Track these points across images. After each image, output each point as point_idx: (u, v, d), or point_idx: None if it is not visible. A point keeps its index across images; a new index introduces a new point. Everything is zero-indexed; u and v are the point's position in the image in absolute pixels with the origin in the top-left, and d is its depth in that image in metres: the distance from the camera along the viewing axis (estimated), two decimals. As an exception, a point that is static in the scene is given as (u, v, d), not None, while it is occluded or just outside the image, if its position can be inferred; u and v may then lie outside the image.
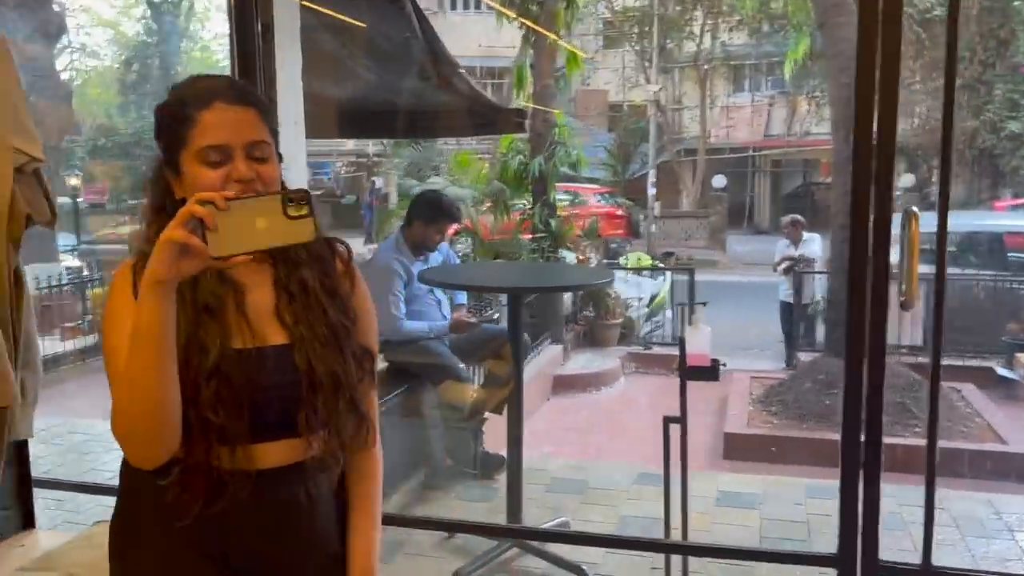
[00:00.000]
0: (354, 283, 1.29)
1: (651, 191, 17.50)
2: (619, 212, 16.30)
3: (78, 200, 13.22)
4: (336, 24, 4.38)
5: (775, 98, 21.76)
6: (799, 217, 8.24)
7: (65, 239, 10.94)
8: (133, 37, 23.10)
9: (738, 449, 5.46)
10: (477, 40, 18.47)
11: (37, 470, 2.49)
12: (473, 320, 4.24)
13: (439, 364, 4.05)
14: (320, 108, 4.30)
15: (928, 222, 2.13)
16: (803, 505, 3.86)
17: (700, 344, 2.51)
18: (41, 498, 2.82)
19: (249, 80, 2.63)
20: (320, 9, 4.11)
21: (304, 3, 4.12)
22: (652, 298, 8.87)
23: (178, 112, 1.14)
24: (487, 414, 4.26)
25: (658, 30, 18.69)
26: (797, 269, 7.77)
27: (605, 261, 8.96)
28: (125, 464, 1.21)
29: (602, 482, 4.20)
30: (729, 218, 19.74)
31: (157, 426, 1.06)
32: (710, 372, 2.51)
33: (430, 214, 4.16)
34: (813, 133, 20.12)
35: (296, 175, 3.06)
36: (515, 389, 3.36)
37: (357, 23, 4.30)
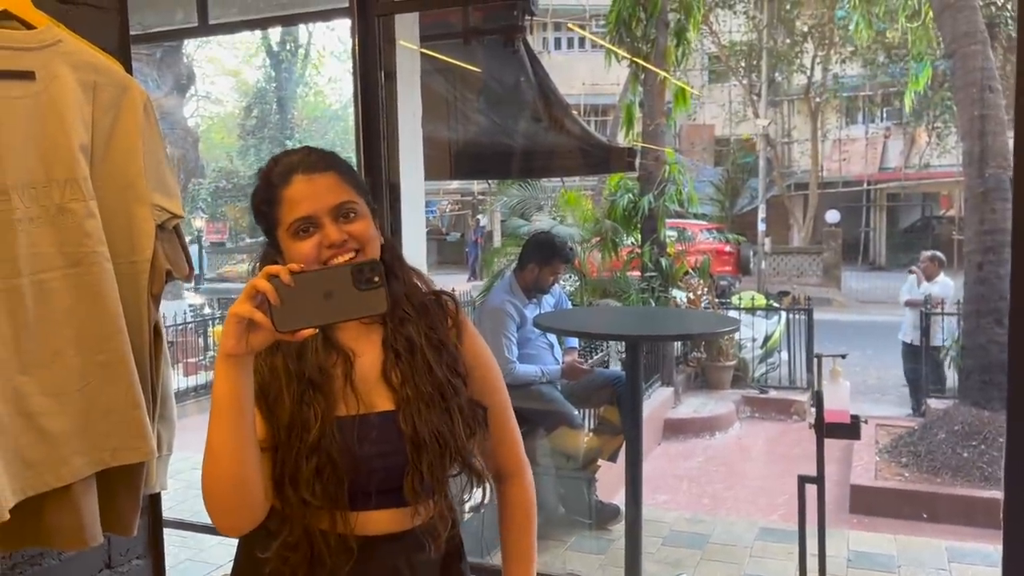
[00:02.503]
0: (462, 335, 1.25)
1: (761, 226, 17.01)
2: (727, 248, 15.89)
3: (201, 240, 13.90)
4: (449, 68, 4.44)
5: (891, 130, 20.94)
6: (939, 254, 7.80)
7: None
8: (253, 84, 24.32)
9: (866, 503, 5.12)
10: (581, 78, 18.60)
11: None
12: (586, 366, 4.15)
13: (552, 410, 3.97)
14: (435, 151, 4.36)
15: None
16: (947, 571, 3.57)
17: (839, 399, 2.34)
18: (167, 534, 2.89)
19: (372, 127, 2.67)
20: (437, 56, 4.18)
21: (423, 50, 4.21)
22: (766, 339, 8.55)
23: (266, 195, 1.17)
24: (600, 462, 4.15)
25: (767, 63, 18.31)
26: (925, 309, 7.33)
27: (717, 300, 8.68)
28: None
29: (722, 537, 4.00)
30: (843, 254, 18.99)
31: (234, 496, 1.06)
32: (850, 430, 2.34)
33: (544, 256, 4.12)
34: (934, 165, 19.22)
35: (416, 217, 3.08)
36: (635, 439, 3.24)
37: (471, 68, 4.34)
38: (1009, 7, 12.53)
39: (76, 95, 1.44)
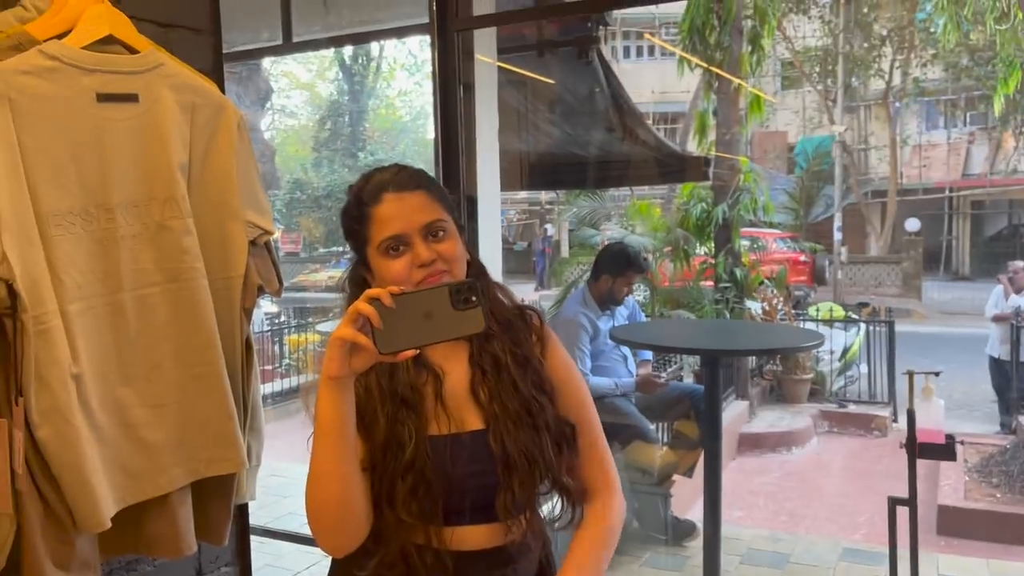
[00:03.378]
0: (546, 351, 1.24)
1: (837, 235, 16.56)
2: (802, 258, 15.52)
3: (277, 250, 14.27)
4: (523, 80, 4.46)
5: (975, 135, 20.18)
6: (1022, 264, 7.48)
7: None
8: (327, 97, 24.85)
9: (954, 525, 4.91)
10: (650, 87, 18.46)
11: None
12: (661, 379, 4.09)
13: (626, 423, 3.93)
14: (508, 162, 4.37)
15: None
16: (1045, 599, 3.39)
17: (933, 418, 2.25)
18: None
19: (451, 140, 2.69)
20: (511, 68, 4.19)
21: (500, 64, 4.23)
22: (844, 351, 8.30)
23: (356, 212, 1.17)
24: (675, 477, 4.08)
25: (843, 68, 17.85)
26: (1015, 323, 7.02)
27: (794, 312, 8.47)
28: None
29: (804, 556, 3.89)
30: (924, 264, 18.36)
31: (339, 518, 1.08)
32: (944, 451, 2.24)
33: (618, 267, 4.08)
34: (1021, 172, 18.43)
35: (492, 230, 3.09)
36: (714, 454, 3.18)
37: (546, 80, 4.35)
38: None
39: (176, 116, 1.49)
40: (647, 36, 18.17)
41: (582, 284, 4.30)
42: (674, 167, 4.67)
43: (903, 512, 2.50)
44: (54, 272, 1.33)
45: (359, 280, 1.20)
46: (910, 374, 2.27)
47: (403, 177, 1.17)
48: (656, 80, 19.45)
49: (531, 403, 1.17)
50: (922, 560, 3.81)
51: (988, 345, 7.51)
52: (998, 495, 5.15)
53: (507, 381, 1.17)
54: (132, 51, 1.47)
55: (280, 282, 1.69)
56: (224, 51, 1.94)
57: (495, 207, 3.09)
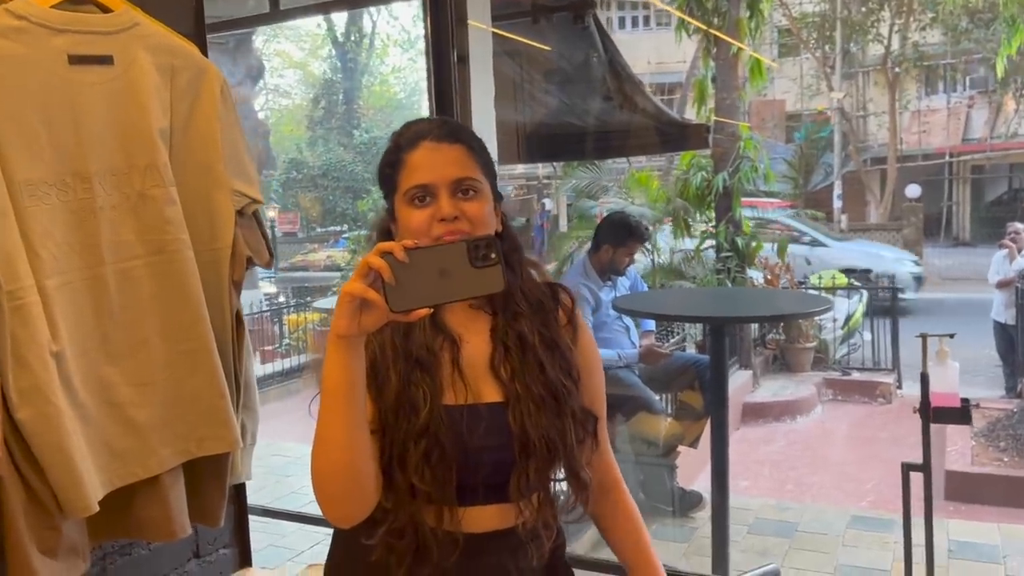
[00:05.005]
0: (576, 336, 1.18)
1: (837, 203, 16.46)
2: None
3: (274, 230, 14.22)
4: (518, 48, 4.35)
5: (975, 99, 20.01)
6: (1022, 226, 7.40)
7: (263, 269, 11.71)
8: (320, 76, 24.65)
9: (962, 490, 4.88)
10: (646, 57, 18.25)
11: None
12: (665, 350, 4.03)
13: (631, 395, 3.87)
14: (504, 134, 4.28)
15: None
16: (1057, 562, 3.36)
17: (947, 381, 2.19)
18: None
19: (446, 111, 2.60)
20: (507, 35, 4.09)
21: (494, 30, 4.12)
22: (847, 319, 8.24)
23: (391, 157, 1.12)
24: (681, 448, 4.04)
25: (841, 34, 17.65)
26: (1020, 286, 6.96)
27: (796, 281, 8.40)
28: None
29: (812, 525, 3.85)
30: (925, 230, 18.27)
31: (347, 485, 1.01)
32: (960, 414, 2.19)
33: (619, 236, 4.02)
34: (1022, 135, 18.29)
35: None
36: (720, 424, 3.13)
37: (540, 46, 4.24)
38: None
39: (154, 79, 1.42)
40: (654, 1, 17.88)
41: (582, 255, 4.23)
42: (675, 135, 4.56)
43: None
44: (29, 245, 1.26)
45: (384, 230, 1.14)
46: (923, 337, 2.21)
47: (445, 128, 1.12)
48: (652, 51, 19.24)
49: (558, 388, 1.11)
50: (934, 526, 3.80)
51: (993, 310, 7.45)
52: (1005, 459, 5.12)
53: (533, 362, 1.11)
54: (105, 10, 1.40)
55: (271, 253, 1.62)
56: (209, 21, 1.86)
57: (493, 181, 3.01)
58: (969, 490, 4.85)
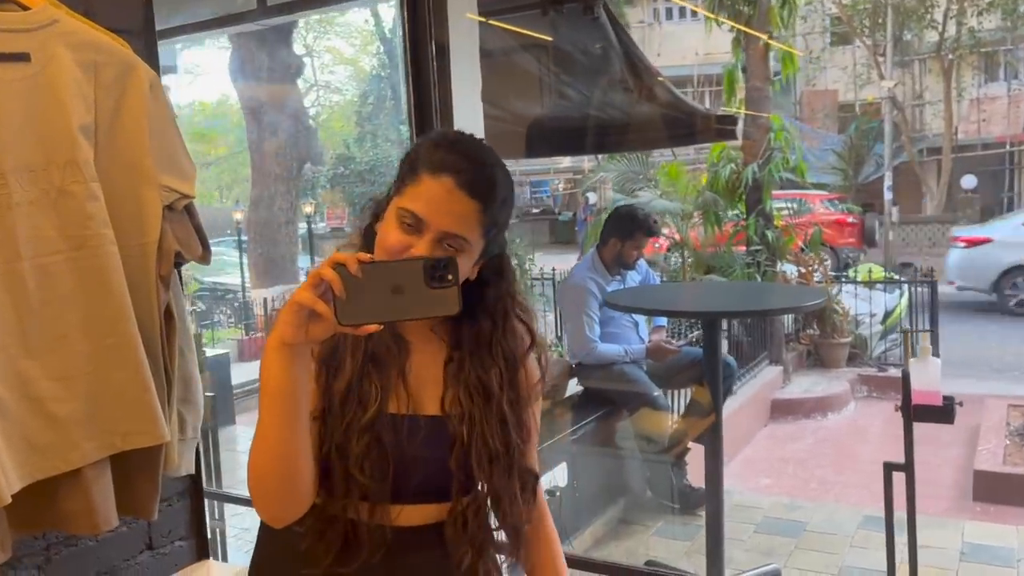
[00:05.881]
0: (532, 400, 1.19)
1: (888, 195, 16.01)
2: (851, 219, 15.05)
3: (311, 225, 14.38)
4: (529, 42, 4.32)
5: (1036, 85, 19.25)
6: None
7: (303, 261, 11.88)
8: (369, 71, 24.85)
9: (991, 491, 4.70)
10: (694, 48, 17.98)
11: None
12: (672, 346, 3.97)
13: (635, 391, 3.83)
14: (510, 128, 4.25)
15: None
16: (1075, 568, 3.22)
17: (928, 379, 2.11)
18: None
19: (424, 102, 2.59)
20: (510, 28, 4.06)
21: (493, 23, 4.09)
22: (887, 314, 8.01)
23: (412, 161, 1.07)
24: (691, 445, 3.97)
25: (893, 21, 17.14)
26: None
27: (832, 274, 8.20)
28: None
29: (822, 525, 3.76)
30: (983, 222, 17.65)
31: (282, 486, 1.02)
32: (941, 413, 2.10)
33: (625, 230, 3.98)
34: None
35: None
36: (714, 423, 3.07)
37: (545, 37, 4.20)
38: None
39: (74, 75, 1.43)
40: None
41: (592, 249, 4.19)
42: (686, 127, 4.48)
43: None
44: (-58, 241, 1.28)
45: (368, 233, 1.13)
46: (905, 333, 2.13)
47: (473, 178, 1.03)
48: (699, 42, 18.96)
49: (503, 401, 1.12)
50: (947, 527, 3.68)
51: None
52: (1039, 460, 4.92)
53: (494, 415, 1.12)
54: (25, 8, 1.41)
55: (206, 248, 1.63)
56: (198, 20, 1.88)
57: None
58: (998, 491, 4.66)
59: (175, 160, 1.56)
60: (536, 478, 1.18)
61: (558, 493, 3.25)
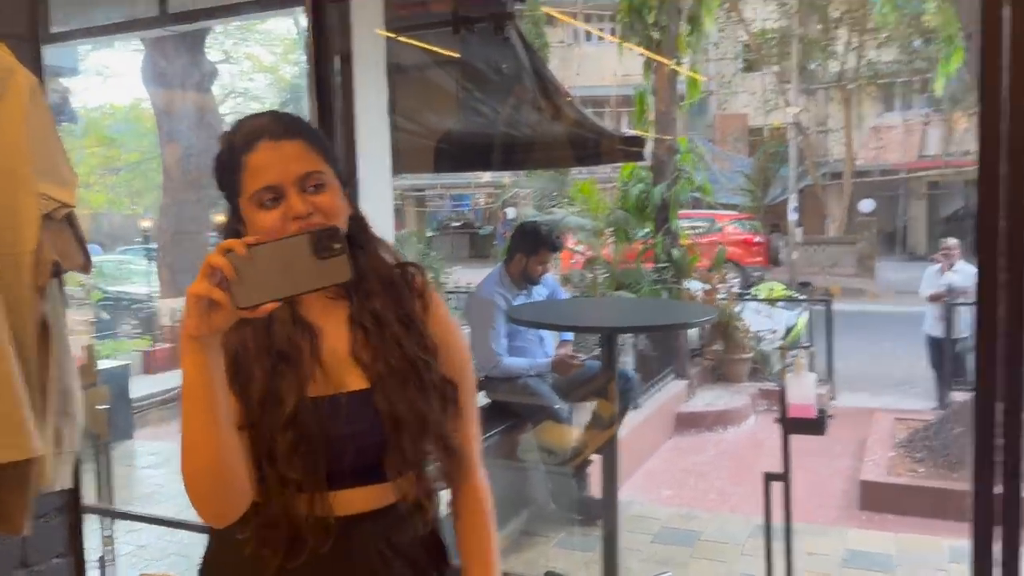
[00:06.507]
0: (428, 308, 1.21)
1: (792, 216, 16.68)
2: (757, 239, 15.62)
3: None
4: (443, 59, 4.36)
5: (930, 116, 20.37)
6: (955, 241, 7.52)
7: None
8: (290, 80, 24.46)
9: (876, 500, 4.94)
10: (611, 70, 18.37)
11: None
12: (575, 360, 4.05)
13: (538, 404, 3.89)
14: (422, 142, 4.28)
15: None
16: (945, 571, 3.41)
17: (803, 392, 2.22)
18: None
19: (327, 116, 2.60)
20: (420, 45, 4.10)
21: (404, 39, 4.12)
22: (788, 331, 8.34)
23: (229, 160, 1.11)
24: (592, 457, 4.05)
25: (798, 51, 17.90)
26: (948, 300, 7.07)
27: (737, 291, 8.49)
28: None
29: (716, 534, 3.89)
30: (880, 244, 18.55)
31: (216, 484, 1.02)
32: (814, 425, 2.22)
33: (529, 245, 4.06)
34: (974, 152, 18.62)
35: (381, 210, 3.01)
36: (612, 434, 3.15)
37: (454, 54, 4.26)
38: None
39: (-53, 80, 1.40)
40: (564, 18, 18.05)
41: (499, 264, 4.25)
42: (592, 148, 4.59)
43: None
44: None
45: (233, 234, 1.12)
46: (782, 348, 2.24)
47: (280, 124, 1.10)
48: (617, 63, 19.34)
49: (416, 361, 1.15)
50: (832, 535, 3.85)
51: (925, 323, 7.56)
52: (920, 469, 5.19)
53: (391, 340, 1.14)
54: None
55: (87, 258, 1.61)
56: (98, 24, 1.84)
57: (385, 189, 2.99)
58: (882, 500, 4.91)
59: (55, 168, 1.54)
60: (455, 386, 1.19)
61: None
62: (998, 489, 1.89)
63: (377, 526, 1.14)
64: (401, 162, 3.84)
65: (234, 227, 1.12)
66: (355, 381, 1.13)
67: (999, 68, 1.72)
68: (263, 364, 1.09)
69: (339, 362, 1.13)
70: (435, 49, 4.30)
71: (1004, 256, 1.79)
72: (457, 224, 24.53)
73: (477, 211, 25.13)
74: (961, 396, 6.49)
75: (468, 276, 9.30)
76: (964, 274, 6.91)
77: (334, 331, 1.15)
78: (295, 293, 0.95)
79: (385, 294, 1.17)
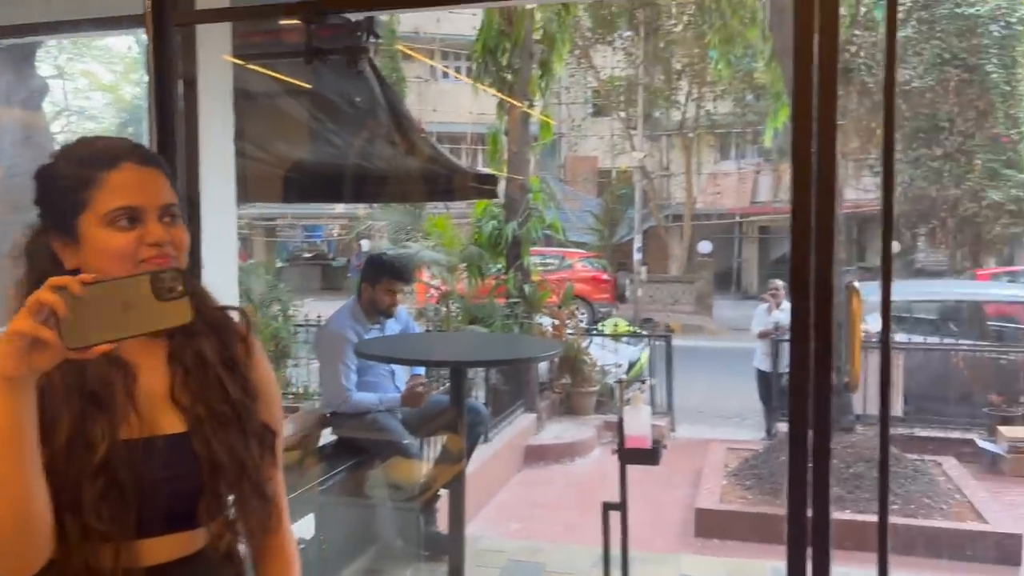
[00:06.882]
0: (251, 353, 1.18)
1: (637, 256, 17.47)
2: (605, 276, 16.23)
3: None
4: (294, 88, 4.32)
5: (761, 165, 21.95)
6: (781, 283, 8.12)
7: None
8: (131, 100, 23.29)
9: (710, 526, 5.21)
10: (467, 107, 18.69)
11: None
12: (425, 388, 4.06)
13: (387, 439, 3.86)
14: (271, 170, 4.21)
15: (901, 290, 2.01)
16: (769, 592, 3.64)
17: (639, 425, 2.34)
18: None
19: (168, 141, 2.52)
20: (270, 73, 4.05)
21: (253, 67, 4.05)
22: (631, 365, 8.69)
23: (76, 173, 1.05)
24: (441, 492, 4.05)
25: (643, 99, 18.91)
26: (775, 336, 7.61)
27: (584, 327, 8.78)
28: None
29: (561, 565, 3.98)
30: (717, 284, 19.70)
31: (22, 534, 0.94)
32: (650, 455, 2.34)
33: (376, 276, 4.05)
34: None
35: (224, 240, 2.93)
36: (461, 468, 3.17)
37: (306, 85, 4.24)
38: (862, 54, 13.41)
39: None
40: (419, 56, 18.37)
41: (352, 298, 4.21)
42: (445, 184, 4.65)
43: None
44: None
45: (46, 254, 1.06)
46: (620, 383, 2.35)
47: (142, 151, 1.09)
48: (472, 101, 19.70)
49: (238, 405, 1.12)
50: (664, 561, 4.03)
51: (754, 359, 8.08)
52: (749, 496, 5.52)
53: (214, 381, 1.11)
54: None
55: None
56: None
57: (229, 218, 2.92)
58: (715, 526, 5.18)
59: None
60: (274, 434, 1.17)
61: (303, 546, 3.18)
62: (810, 512, 2.07)
63: (185, 573, 1.09)
64: (249, 191, 3.77)
65: (47, 247, 1.07)
66: (171, 424, 1.09)
67: (810, 125, 1.92)
68: (72, 405, 1.02)
69: (155, 403, 1.09)
70: (287, 79, 4.26)
71: (812, 300, 1.98)
72: (309, 255, 24.01)
73: (330, 242, 24.73)
74: (785, 426, 6.95)
75: (320, 308, 9.11)
76: (789, 313, 7.44)
77: (151, 370, 1.10)
78: (132, 334, 0.92)
79: (209, 334, 1.14)
